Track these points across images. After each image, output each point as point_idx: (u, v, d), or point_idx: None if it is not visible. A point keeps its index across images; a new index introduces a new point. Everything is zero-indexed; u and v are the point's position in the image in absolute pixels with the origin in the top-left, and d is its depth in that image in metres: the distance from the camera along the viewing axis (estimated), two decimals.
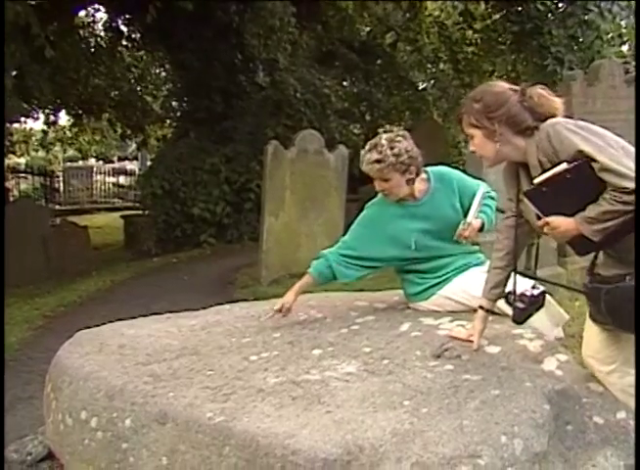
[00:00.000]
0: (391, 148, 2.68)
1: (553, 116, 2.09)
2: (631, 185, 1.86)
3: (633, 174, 1.87)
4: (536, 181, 2.04)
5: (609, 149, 1.92)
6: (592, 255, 2.10)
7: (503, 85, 2.21)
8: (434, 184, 2.82)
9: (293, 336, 2.61)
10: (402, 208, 2.80)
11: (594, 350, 2.17)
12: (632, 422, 2.09)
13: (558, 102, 2.12)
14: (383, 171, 2.70)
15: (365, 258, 2.81)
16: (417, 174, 2.76)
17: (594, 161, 1.91)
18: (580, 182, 1.94)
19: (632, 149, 2.05)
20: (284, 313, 2.78)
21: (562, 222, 2.01)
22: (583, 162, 1.93)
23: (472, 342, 2.34)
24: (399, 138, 2.73)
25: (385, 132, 2.83)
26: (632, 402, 2.12)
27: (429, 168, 2.85)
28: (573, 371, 2.24)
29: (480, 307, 2.37)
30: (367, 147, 2.75)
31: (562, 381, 2.16)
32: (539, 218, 2.08)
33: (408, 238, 2.77)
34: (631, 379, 2.12)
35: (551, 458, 1.89)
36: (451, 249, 2.83)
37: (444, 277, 2.79)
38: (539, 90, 2.14)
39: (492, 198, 2.92)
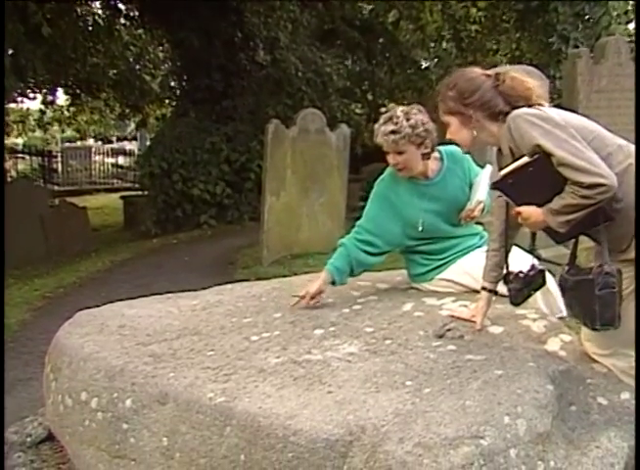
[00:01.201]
0: (408, 119, 2.63)
1: (527, 99, 2.05)
2: (588, 180, 1.84)
3: (593, 168, 1.85)
4: (502, 173, 2.04)
5: (570, 142, 1.89)
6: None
7: (477, 71, 2.19)
8: (446, 164, 2.78)
9: (294, 316, 2.59)
10: (413, 185, 2.74)
11: (591, 334, 2.15)
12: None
13: (532, 85, 2.08)
14: (398, 143, 2.63)
15: (382, 237, 2.72)
16: (432, 150, 2.71)
17: (552, 155, 1.89)
18: (544, 175, 1.93)
19: (615, 140, 2.01)
20: (307, 303, 2.67)
21: (532, 213, 2.01)
22: (542, 156, 1.92)
23: (474, 322, 2.33)
24: (415, 111, 2.69)
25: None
26: (634, 384, 2.10)
27: (441, 148, 2.81)
28: (577, 352, 2.22)
29: (484, 288, 2.35)
30: (381, 120, 2.69)
31: (565, 361, 2.14)
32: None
33: (416, 217, 2.72)
34: (631, 361, 2.10)
35: (554, 439, 1.88)
36: (457, 231, 2.80)
37: (449, 259, 2.76)
38: (512, 73, 2.11)
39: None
